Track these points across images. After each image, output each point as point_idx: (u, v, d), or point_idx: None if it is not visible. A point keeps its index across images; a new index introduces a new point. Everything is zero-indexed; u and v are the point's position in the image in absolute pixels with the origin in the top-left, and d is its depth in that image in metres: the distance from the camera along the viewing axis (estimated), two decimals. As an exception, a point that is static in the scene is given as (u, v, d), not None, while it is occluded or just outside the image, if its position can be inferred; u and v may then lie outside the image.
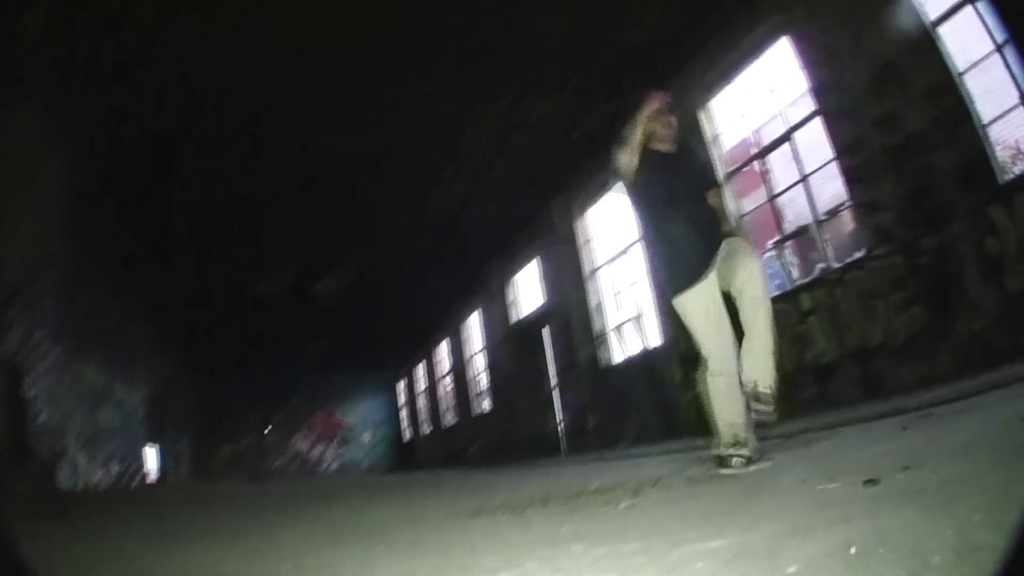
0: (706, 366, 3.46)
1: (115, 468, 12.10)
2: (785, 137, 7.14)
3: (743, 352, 3.39)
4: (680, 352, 8.08)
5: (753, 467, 3.22)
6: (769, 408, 3.29)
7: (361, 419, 23.76)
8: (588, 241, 11.30)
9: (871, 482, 1.96)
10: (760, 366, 3.32)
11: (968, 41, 5.11)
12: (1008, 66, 4.71)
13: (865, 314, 6.04)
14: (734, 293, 3.44)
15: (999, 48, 4.79)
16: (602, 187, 10.57)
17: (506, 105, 9.00)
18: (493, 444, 14.89)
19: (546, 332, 12.62)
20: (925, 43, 5.25)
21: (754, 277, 3.39)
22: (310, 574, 2.11)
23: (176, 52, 7.04)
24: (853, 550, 1.30)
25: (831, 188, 6.96)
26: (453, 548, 2.29)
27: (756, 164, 7.67)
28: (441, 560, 2.09)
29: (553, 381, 12.51)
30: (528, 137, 9.86)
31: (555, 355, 12.41)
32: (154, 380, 15.13)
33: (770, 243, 7.66)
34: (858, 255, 6.25)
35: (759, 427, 3.49)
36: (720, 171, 7.67)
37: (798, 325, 6.75)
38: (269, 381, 21.19)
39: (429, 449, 20.36)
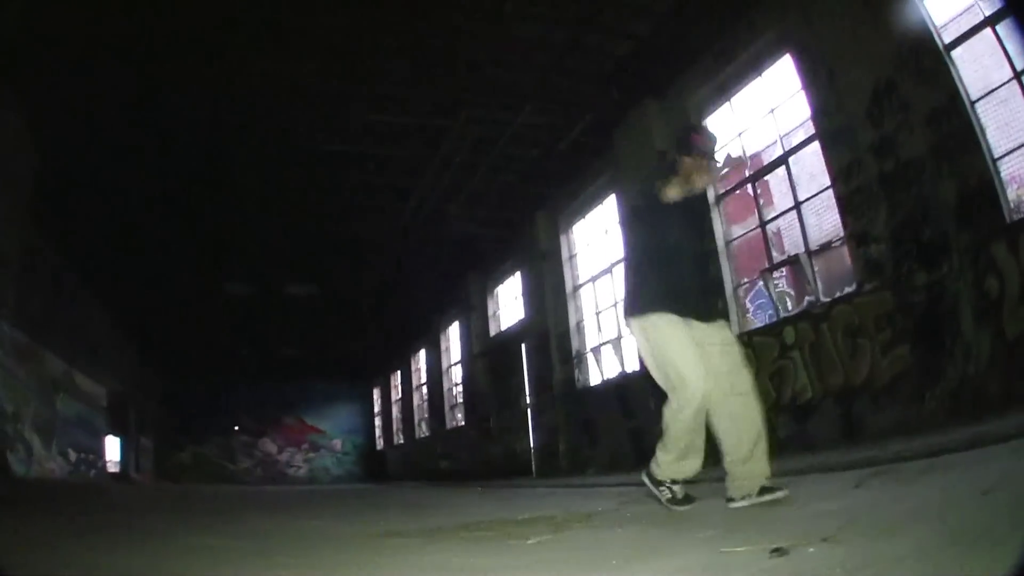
0: (675, 394, 3.24)
1: (73, 457, 11.73)
2: (782, 160, 6.78)
3: (735, 440, 3.18)
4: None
5: (684, 508, 3.23)
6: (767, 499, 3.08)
7: (332, 426, 23.24)
8: (572, 257, 10.90)
9: (778, 551, 1.80)
10: (763, 458, 3.17)
11: (986, 67, 4.73)
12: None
13: (850, 352, 5.63)
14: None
15: (1018, 76, 4.40)
16: (590, 201, 10.22)
17: (491, 114, 8.68)
18: (465, 460, 14.40)
19: (524, 348, 12.17)
20: (935, 66, 4.87)
21: (746, 376, 3.32)
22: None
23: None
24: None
25: (830, 218, 6.60)
26: (339, 568, 2.33)
27: (749, 187, 7.30)
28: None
29: (528, 400, 12.05)
30: (514, 146, 9.53)
31: (531, 373, 11.96)
32: (118, 373, 14.63)
33: (759, 271, 7.27)
34: (848, 289, 5.86)
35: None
36: (713, 194, 7.34)
37: (779, 359, 6.35)
38: (241, 383, 20.79)
39: (400, 460, 19.80)
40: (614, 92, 8.36)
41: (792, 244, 7.30)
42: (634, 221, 3.86)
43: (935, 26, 4.98)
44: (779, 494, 3.04)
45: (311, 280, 14.82)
